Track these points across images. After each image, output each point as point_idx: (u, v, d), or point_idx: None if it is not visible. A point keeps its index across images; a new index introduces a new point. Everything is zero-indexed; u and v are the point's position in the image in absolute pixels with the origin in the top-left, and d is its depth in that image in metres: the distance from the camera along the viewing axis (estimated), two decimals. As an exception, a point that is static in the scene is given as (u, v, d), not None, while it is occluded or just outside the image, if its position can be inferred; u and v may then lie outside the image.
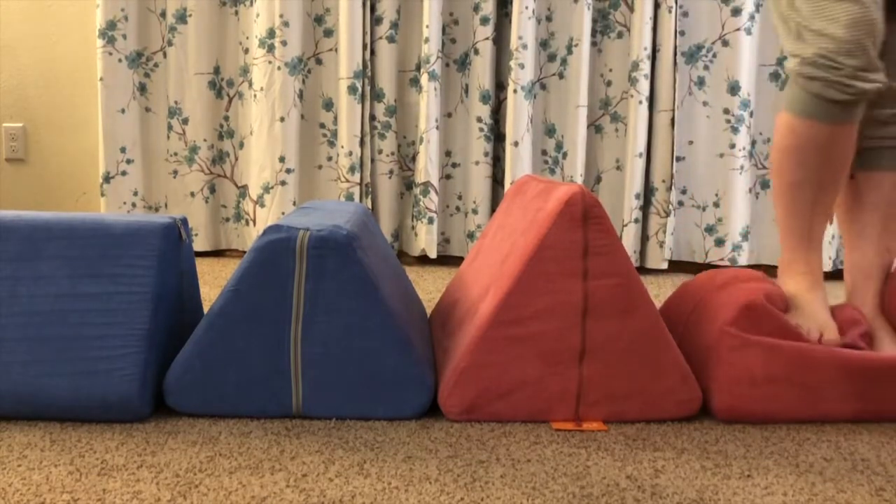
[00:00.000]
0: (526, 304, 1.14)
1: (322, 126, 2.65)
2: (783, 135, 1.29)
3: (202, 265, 2.44)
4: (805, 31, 1.22)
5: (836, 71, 1.19)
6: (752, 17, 2.47)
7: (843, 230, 1.44)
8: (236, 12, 2.63)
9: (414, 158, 2.62)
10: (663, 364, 1.15)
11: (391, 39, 2.55)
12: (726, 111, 2.52)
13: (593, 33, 2.55)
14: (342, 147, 2.56)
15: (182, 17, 2.59)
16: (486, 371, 1.13)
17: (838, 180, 1.30)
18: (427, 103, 2.52)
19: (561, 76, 2.57)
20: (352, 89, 2.52)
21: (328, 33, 2.61)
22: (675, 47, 2.48)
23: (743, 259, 2.57)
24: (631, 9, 2.50)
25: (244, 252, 2.67)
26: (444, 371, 1.17)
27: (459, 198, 2.65)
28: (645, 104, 2.49)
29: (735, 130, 2.51)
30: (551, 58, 2.57)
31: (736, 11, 2.46)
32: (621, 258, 1.15)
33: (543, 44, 2.57)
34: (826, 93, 1.21)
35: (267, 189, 2.58)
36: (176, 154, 2.66)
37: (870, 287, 1.37)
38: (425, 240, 2.58)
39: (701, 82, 2.54)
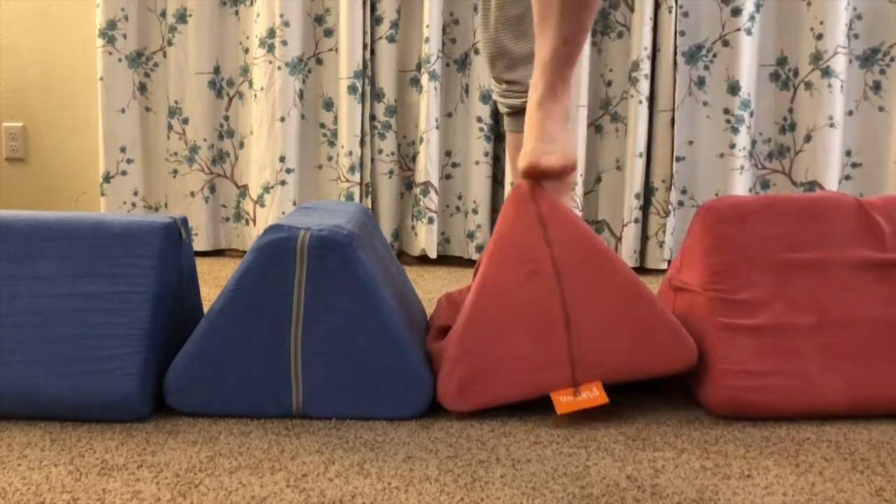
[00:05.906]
0: (502, 280, 1.19)
1: (322, 126, 2.65)
2: None
3: (202, 265, 2.44)
4: None
5: None
6: (752, 18, 2.46)
7: None
8: (236, 12, 2.63)
9: (414, 158, 2.62)
10: (649, 319, 1.17)
11: (391, 39, 2.55)
12: (726, 111, 2.52)
13: (593, 33, 2.55)
14: (342, 147, 2.56)
15: (182, 17, 2.59)
16: (478, 355, 1.15)
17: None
18: (427, 103, 2.52)
19: (561, 76, 2.57)
20: (352, 89, 2.52)
21: (328, 33, 2.61)
22: (676, 47, 2.48)
23: (743, 259, 2.57)
24: (631, 9, 2.50)
25: (244, 252, 2.67)
26: (440, 368, 1.18)
27: (459, 198, 2.65)
28: (645, 104, 2.49)
29: (735, 130, 2.51)
30: (551, 58, 2.57)
31: (736, 11, 2.46)
32: (579, 225, 1.23)
33: (543, 44, 2.57)
34: None
35: (267, 189, 2.58)
36: (176, 154, 2.66)
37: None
38: (425, 240, 2.58)
39: (701, 82, 2.54)
